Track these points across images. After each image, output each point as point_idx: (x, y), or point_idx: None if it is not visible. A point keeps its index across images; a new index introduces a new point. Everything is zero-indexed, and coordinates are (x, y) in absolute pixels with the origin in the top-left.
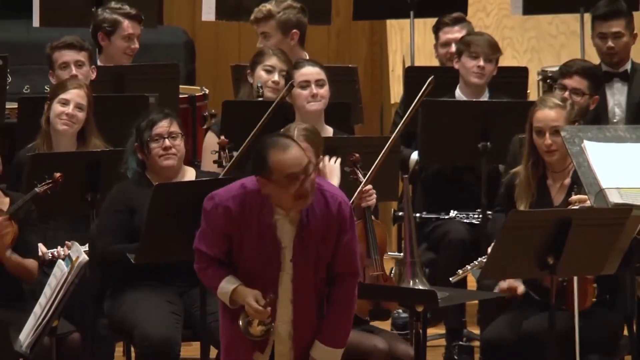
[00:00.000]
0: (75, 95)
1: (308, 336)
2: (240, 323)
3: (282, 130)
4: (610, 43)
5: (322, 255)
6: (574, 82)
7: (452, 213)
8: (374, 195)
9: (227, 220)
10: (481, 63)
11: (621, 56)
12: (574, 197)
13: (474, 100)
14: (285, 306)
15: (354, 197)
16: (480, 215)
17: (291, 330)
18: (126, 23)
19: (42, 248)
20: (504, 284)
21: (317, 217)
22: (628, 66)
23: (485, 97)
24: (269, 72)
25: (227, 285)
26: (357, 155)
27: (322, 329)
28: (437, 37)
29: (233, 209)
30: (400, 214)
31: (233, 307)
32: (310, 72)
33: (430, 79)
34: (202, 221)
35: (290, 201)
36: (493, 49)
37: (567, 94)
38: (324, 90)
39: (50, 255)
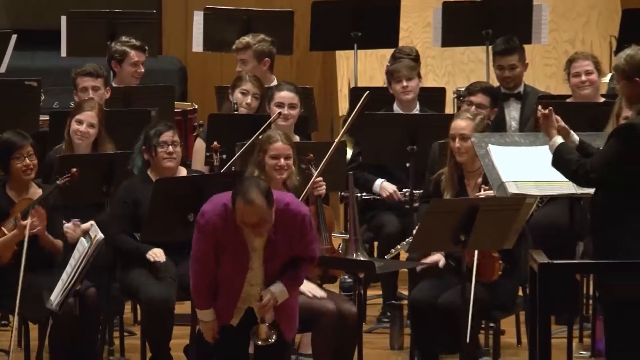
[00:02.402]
0: (88, 116)
1: None
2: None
3: (265, 134)
4: (506, 73)
5: (287, 254)
6: (478, 98)
7: (378, 180)
8: (324, 186)
9: (214, 232)
10: (404, 83)
11: (515, 82)
12: (481, 192)
13: (404, 113)
14: (257, 287)
15: (307, 186)
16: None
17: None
18: (133, 53)
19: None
20: (431, 258)
21: (283, 231)
22: (521, 88)
23: (416, 110)
24: (244, 94)
25: (207, 316)
26: (311, 155)
27: (284, 280)
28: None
29: (218, 224)
30: (345, 194)
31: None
32: (286, 96)
33: (366, 93)
34: (195, 233)
35: (248, 232)
36: (410, 69)
37: (473, 108)
38: (295, 112)
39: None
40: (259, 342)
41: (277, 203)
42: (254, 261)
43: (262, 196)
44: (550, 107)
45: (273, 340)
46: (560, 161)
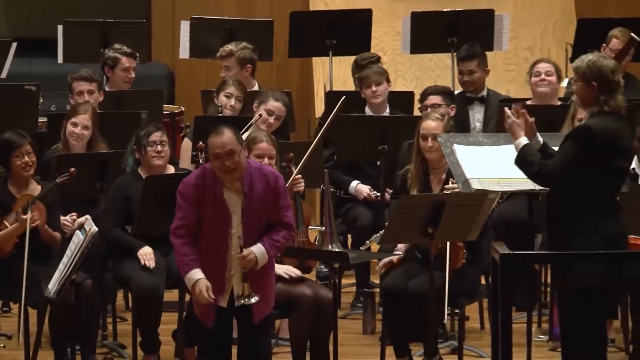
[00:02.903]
0: (82, 119)
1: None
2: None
3: (251, 135)
4: (465, 78)
5: (264, 215)
6: (430, 100)
7: (354, 183)
8: (303, 183)
9: (196, 192)
10: (374, 88)
11: (475, 86)
12: (447, 186)
13: (374, 115)
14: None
15: (288, 183)
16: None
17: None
18: (124, 59)
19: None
20: (384, 261)
21: (258, 190)
22: (484, 92)
23: (386, 112)
24: (228, 97)
25: (194, 276)
26: (291, 154)
27: (262, 240)
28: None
29: (198, 183)
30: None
31: (189, 287)
32: (278, 107)
33: (342, 98)
34: (178, 202)
35: (219, 173)
36: (379, 75)
37: (429, 110)
38: (277, 123)
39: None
40: (242, 301)
41: (253, 164)
42: (234, 223)
43: (230, 130)
44: (522, 103)
45: (255, 301)
46: (524, 161)
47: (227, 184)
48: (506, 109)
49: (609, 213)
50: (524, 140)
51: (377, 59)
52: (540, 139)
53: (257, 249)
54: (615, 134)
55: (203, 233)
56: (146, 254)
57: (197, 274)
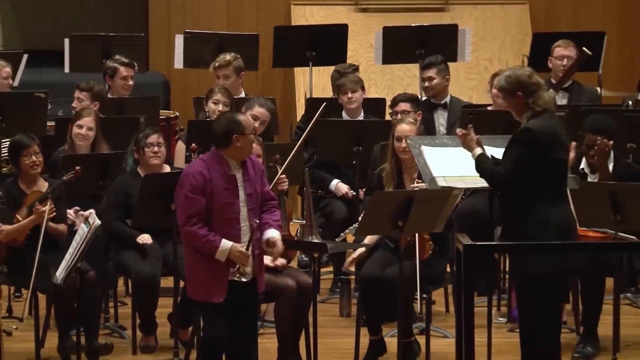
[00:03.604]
0: (87, 121)
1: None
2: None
3: None
4: (426, 84)
5: (257, 188)
6: (400, 107)
7: (334, 181)
8: (286, 182)
9: (202, 180)
10: (349, 95)
11: (435, 92)
12: (413, 185)
13: (350, 119)
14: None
15: (273, 182)
16: (354, 192)
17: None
18: (122, 69)
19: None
20: (349, 260)
21: (250, 169)
22: (447, 99)
23: (361, 117)
24: (215, 104)
25: (226, 245)
26: (278, 155)
27: (270, 224)
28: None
29: (204, 172)
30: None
31: (223, 259)
32: (263, 113)
33: (323, 104)
34: (184, 195)
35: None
36: (354, 83)
37: (399, 115)
38: (262, 127)
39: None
40: (243, 278)
41: None
42: (242, 197)
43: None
44: (470, 125)
45: (248, 279)
46: (479, 170)
47: (233, 163)
48: (457, 130)
49: (558, 203)
50: (477, 151)
51: (356, 68)
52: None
53: (276, 234)
54: (552, 130)
55: (215, 214)
56: (144, 237)
57: (226, 243)
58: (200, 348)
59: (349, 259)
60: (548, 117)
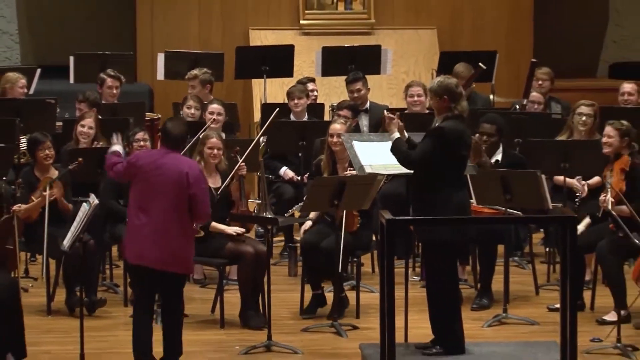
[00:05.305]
0: (88, 121)
1: None
2: None
3: (204, 133)
4: (355, 95)
5: None
6: (344, 112)
7: (283, 168)
8: (245, 168)
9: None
10: (296, 101)
11: (361, 101)
12: (346, 173)
13: (297, 120)
14: None
15: (235, 169)
16: (299, 178)
17: None
18: (108, 80)
19: None
20: (304, 227)
21: None
22: (367, 105)
23: (305, 118)
24: (189, 108)
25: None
26: (237, 148)
27: None
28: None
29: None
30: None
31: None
32: (216, 108)
33: (276, 109)
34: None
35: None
36: (300, 92)
37: (342, 119)
38: (221, 117)
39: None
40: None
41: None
42: None
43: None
44: (398, 113)
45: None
46: (395, 150)
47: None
48: (385, 112)
49: (458, 187)
50: (396, 135)
51: (312, 80)
52: (406, 135)
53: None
54: (459, 132)
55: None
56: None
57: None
58: None
59: (305, 227)
60: (458, 122)
